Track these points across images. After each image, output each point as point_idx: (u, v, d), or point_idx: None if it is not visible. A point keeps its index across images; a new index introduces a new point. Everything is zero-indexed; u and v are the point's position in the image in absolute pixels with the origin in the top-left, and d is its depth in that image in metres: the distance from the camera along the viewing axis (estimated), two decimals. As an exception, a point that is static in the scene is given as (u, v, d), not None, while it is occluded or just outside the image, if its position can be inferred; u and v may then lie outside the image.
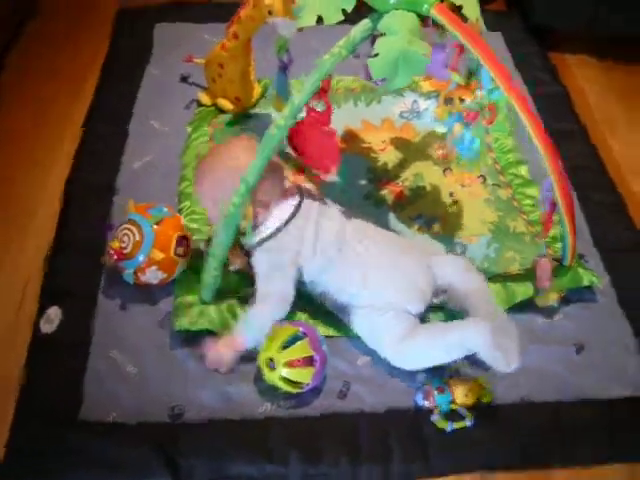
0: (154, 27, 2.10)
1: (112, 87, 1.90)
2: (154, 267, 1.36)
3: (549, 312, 1.44)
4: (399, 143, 1.77)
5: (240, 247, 1.38)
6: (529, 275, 1.44)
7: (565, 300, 1.45)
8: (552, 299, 1.42)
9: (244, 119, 1.79)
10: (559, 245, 1.49)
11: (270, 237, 1.32)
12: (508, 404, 1.30)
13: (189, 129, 1.75)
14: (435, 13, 1.21)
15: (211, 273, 1.32)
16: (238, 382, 1.29)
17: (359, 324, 1.34)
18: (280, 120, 1.22)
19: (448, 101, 1.71)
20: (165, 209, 1.40)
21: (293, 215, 1.33)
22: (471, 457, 1.23)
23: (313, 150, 1.43)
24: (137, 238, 1.34)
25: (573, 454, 1.25)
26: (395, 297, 1.32)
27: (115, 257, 1.35)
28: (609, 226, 1.64)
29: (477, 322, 1.27)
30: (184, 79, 1.92)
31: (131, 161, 1.68)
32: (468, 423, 1.25)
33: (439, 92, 1.70)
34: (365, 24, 1.22)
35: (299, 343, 1.25)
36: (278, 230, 1.32)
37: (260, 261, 1.34)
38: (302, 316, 1.38)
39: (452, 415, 1.27)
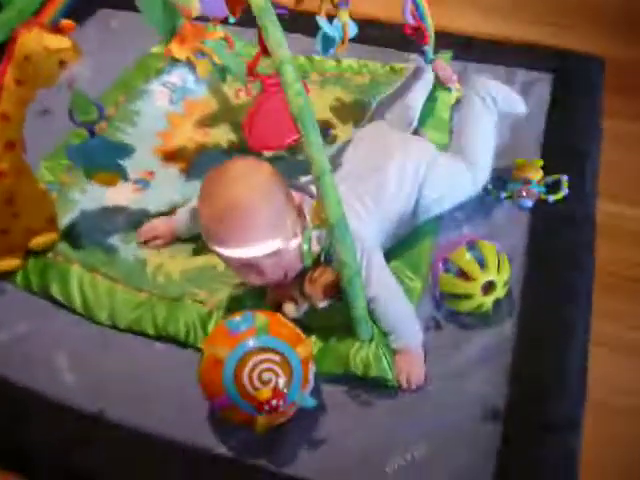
0: None
1: None
2: (310, 364, 1.01)
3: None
4: (211, 119, 1.54)
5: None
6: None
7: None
8: (458, 95, 1.53)
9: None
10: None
11: None
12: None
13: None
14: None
15: (361, 301, 1.04)
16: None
17: (435, 198, 1.24)
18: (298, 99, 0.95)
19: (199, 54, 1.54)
20: (237, 319, 1.01)
21: None
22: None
23: (273, 125, 1.16)
24: (277, 359, 0.96)
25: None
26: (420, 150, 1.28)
27: (278, 402, 0.95)
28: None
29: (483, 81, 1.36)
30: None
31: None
32: (565, 192, 1.33)
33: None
34: None
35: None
36: None
37: None
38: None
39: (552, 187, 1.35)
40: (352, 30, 1.28)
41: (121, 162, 1.26)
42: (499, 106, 1.34)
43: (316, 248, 1.07)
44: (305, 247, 1.04)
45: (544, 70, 1.64)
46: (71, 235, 1.30)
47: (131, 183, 1.40)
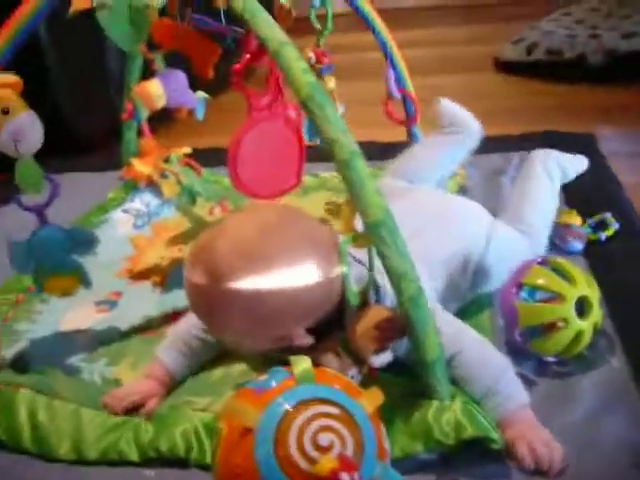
0: None
1: None
2: (381, 425, 0.68)
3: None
4: (184, 238, 1.27)
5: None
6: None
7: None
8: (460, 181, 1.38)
9: None
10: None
11: None
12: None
13: None
14: None
15: (433, 335, 0.74)
16: None
17: (497, 266, 0.98)
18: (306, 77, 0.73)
19: (165, 175, 1.39)
20: (262, 377, 0.69)
21: None
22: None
23: (264, 163, 0.91)
24: (335, 412, 0.63)
25: None
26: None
27: (351, 478, 0.60)
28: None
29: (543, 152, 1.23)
30: None
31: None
32: (615, 226, 1.14)
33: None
34: None
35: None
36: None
37: None
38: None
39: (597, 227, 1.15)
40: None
41: (81, 260, 1.00)
42: (569, 175, 1.23)
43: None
44: (344, 269, 0.77)
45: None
46: (16, 365, 0.97)
47: (93, 305, 1.13)
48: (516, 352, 0.88)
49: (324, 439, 0.62)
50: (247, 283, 0.75)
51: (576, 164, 1.25)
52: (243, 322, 0.78)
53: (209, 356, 0.94)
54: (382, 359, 0.77)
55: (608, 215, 1.15)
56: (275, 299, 0.76)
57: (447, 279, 0.95)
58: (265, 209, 0.87)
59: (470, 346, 0.81)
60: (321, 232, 0.84)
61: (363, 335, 0.76)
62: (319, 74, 1.20)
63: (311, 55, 1.21)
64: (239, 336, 0.82)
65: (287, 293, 0.76)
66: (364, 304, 0.79)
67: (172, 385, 0.91)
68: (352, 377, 0.77)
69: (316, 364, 0.76)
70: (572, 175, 1.24)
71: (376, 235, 0.72)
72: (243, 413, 0.64)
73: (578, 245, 1.11)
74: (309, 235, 0.82)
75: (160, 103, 1.24)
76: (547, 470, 0.72)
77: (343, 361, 0.77)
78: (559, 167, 1.19)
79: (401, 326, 0.75)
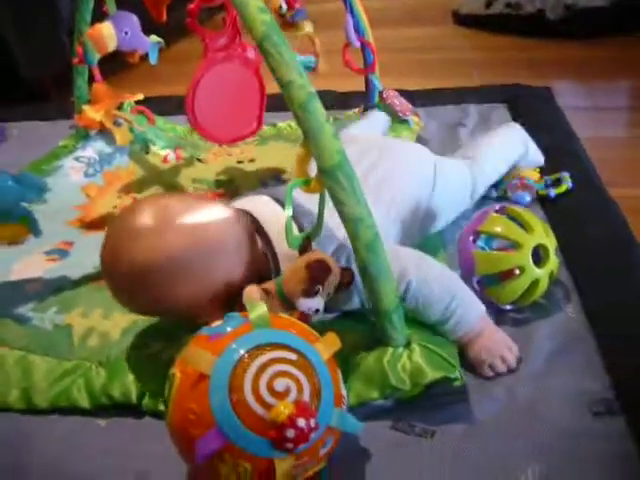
0: None
1: None
2: (338, 371, 0.68)
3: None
4: (136, 186, 1.29)
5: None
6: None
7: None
8: (418, 129, 1.36)
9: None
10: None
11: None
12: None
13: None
14: None
15: (389, 281, 0.74)
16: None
17: (446, 200, 1.01)
18: (262, 16, 0.71)
19: (117, 122, 1.33)
20: (217, 323, 0.67)
21: None
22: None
23: (222, 104, 0.88)
24: (292, 358, 0.62)
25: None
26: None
27: (307, 424, 0.60)
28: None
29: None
30: None
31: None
32: (569, 184, 1.13)
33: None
34: None
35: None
36: None
37: None
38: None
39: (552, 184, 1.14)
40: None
41: (28, 207, 0.97)
42: (527, 156, 1.17)
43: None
44: (288, 213, 0.74)
45: (497, 102, 1.52)
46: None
47: (43, 255, 1.10)
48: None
49: (280, 384, 0.61)
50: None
51: (537, 155, 1.19)
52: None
53: None
54: (311, 304, 0.75)
55: (566, 174, 1.15)
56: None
57: (400, 220, 0.95)
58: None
59: (424, 269, 0.81)
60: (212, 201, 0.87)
61: (292, 276, 0.75)
62: (292, 20, 1.17)
63: (281, 3, 1.17)
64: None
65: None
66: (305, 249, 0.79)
67: None
68: None
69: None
70: (531, 158, 1.18)
71: (332, 180, 0.70)
72: (198, 359, 0.63)
73: (525, 197, 1.11)
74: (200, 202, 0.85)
75: (112, 46, 1.20)
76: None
77: (272, 302, 0.74)
78: (524, 144, 1.16)
79: (330, 267, 0.76)
